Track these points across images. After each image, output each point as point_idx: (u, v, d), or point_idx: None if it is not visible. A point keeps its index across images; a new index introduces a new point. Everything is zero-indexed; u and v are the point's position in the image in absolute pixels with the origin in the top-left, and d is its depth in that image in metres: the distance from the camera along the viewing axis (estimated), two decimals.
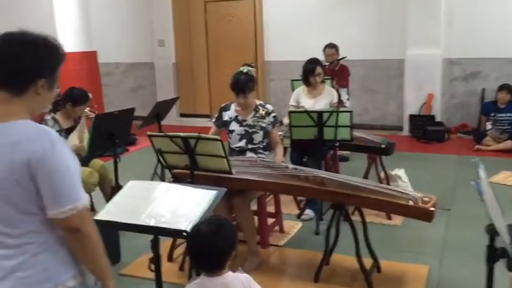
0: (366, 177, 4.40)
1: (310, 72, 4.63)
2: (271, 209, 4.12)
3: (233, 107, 3.83)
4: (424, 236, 3.94)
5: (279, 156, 3.74)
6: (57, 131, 4.21)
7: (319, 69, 4.62)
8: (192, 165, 3.20)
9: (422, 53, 7.26)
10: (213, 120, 3.92)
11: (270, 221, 4.06)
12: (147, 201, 2.31)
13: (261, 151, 3.79)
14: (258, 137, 3.76)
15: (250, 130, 3.76)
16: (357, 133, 4.45)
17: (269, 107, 3.84)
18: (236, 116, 3.80)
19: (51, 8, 6.75)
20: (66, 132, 4.31)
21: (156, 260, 2.32)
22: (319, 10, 7.94)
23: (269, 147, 3.87)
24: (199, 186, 2.42)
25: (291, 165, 3.47)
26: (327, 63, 6.44)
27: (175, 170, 3.39)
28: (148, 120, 5.06)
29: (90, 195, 4.54)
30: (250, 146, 3.77)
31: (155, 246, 2.31)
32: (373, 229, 3.94)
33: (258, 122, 3.76)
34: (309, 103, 4.70)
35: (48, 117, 4.35)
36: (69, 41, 6.65)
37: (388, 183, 4.45)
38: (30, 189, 1.52)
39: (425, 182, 5.15)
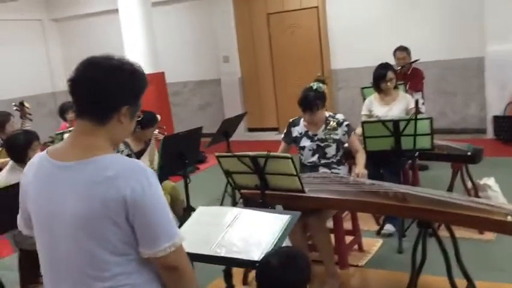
0: (450, 188, 4.04)
1: (381, 78, 4.36)
2: (348, 225, 3.88)
3: (302, 121, 3.65)
4: None
5: (359, 167, 3.50)
6: (128, 154, 4.23)
7: (390, 74, 4.34)
8: (262, 185, 3.05)
9: (504, 48, 6.70)
10: (282, 136, 3.76)
11: (348, 239, 3.82)
12: (217, 228, 2.18)
13: (334, 166, 3.58)
14: (331, 150, 3.55)
15: (322, 144, 3.56)
16: (439, 141, 4.11)
17: (340, 116, 3.62)
18: (306, 131, 3.62)
19: (119, 32, 6.94)
20: (137, 156, 4.31)
21: None
22: (386, 12, 7.60)
23: (343, 161, 3.65)
24: (271, 210, 2.26)
25: (368, 181, 3.22)
26: (398, 68, 6.12)
27: (245, 191, 3.25)
28: (217, 138, 4.99)
29: None
30: (323, 161, 3.57)
31: (227, 276, 2.18)
32: (464, 245, 3.58)
33: (330, 134, 3.55)
34: (382, 111, 4.42)
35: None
36: (138, 63, 6.78)
37: (476, 194, 4.07)
38: (125, 228, 1.43)
39: None
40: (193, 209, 4.38)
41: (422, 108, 6.18)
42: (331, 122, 3.58)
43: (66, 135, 5.21)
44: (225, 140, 4.99)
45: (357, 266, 3.66)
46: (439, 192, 2.90)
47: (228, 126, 4.96)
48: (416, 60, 6.10)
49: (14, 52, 9.66)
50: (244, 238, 2.09)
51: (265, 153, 2.90)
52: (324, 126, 3.58)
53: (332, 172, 3.55)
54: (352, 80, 7.83)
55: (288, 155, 2.92)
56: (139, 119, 4.15)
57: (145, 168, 1.48)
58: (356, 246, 3.89)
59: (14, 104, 5.34)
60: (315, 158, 3.58)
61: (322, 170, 3.57)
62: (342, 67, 8.08)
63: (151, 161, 4.32)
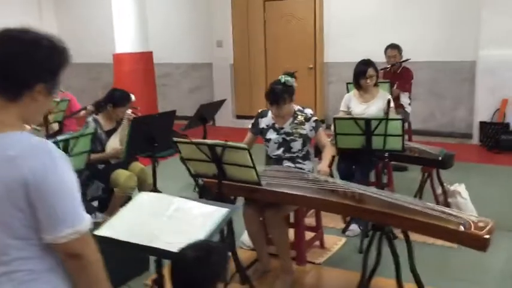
0: (420, 192, 3.99)
1: (361, 74, 4.27)
2: (313, 221, 3.84)
3: (270, 113, 3.58)
4: (482, 262, 3.47)
5: (323, 163, 3.43)
6: (98, 132, 4.17)
7: (371, 71, 4.26)
8: (219, 175, 2.99)
9: (497, 53, 6.61)
10: (250, 126, 3.69)
11: (311, 235, 3.77)
12: (153, 217, 2.12)
13: (299, 160, 3.52)
14: (297, 145, 3.49)
15: (288, 138, 3.49)
16: (412, 143, 4.05)
17: (308, 111, 3.55)
18: (273, 124, 3.55)
19: (109, 9, 6.83)
20: (107, 134, 4.26)
21: (159, 281, 2.13)
22: (385, 8, 7.48)
23: (309, 156, 3.58)
24: (211, 202, 2.20)
25: (329, 179, 3.15)
26: (388, 66, 6.04)
27: (207, 180, 3.20)
28: (193, 123, 4.92)
29: (130, 198, 4.48)
30: (288, 155, 3.51)
31: (159, 266, 2.12)
32: (424, 250, 3.56)
33: (297, 129, 3.48)
34: (360, 108, 4.35)
35: (89, 118, 4.33)
36: (126, 41, 6.69)
37: (445, 200, 4.02)
38: (26, 211, 1.35)
39: (492, 198, 4.62)
40: (159, 192, 4.34)
41: (408, 108, 6.11)
42: (299, 117, 3.51)
43: None
44: (202, 125, 4.92)
45: (314, 263, 3.61)
46: (399, 196, 2.85)
47: (206, 112, 4.89)
48: (406, 60, 6.01)
49: (6, 22, 9.53)
50: (178, 229, 2.03)
51: (223, 142, 2.83)
52: (291, 119, 3.51)
53: (296, 167, 3.49)
54: (344, 74, 7.71)
55: (245, 145, 2.85)
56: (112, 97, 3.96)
57: (52, 148, 1.39)
58: (318, 243, 3.85)
59: None
60: (280, 151, 3.51)
61: (286, 163, 3.51)
62: (335, 60, 7.97)
63: (121, 140, 4.25)
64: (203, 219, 2.04)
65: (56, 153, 1.39)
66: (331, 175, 3.96)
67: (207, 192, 3.17)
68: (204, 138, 5.07)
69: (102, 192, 4.24)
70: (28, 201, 1.35)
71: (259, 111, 3.69)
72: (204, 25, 8.85)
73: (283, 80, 3.42)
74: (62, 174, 1.38)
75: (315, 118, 3.53)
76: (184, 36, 9.07)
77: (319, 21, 7.98)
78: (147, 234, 2.01)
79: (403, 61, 5.94)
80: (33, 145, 1.37)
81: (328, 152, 3.53)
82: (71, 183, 1.41)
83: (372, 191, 2.92)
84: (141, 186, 4.38)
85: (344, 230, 4.10)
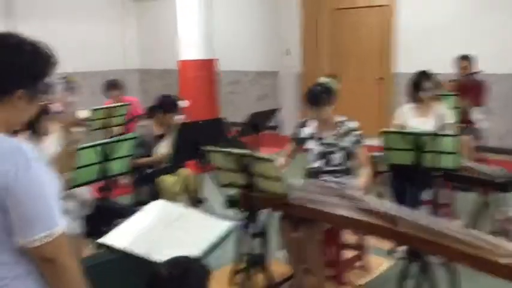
0: (476, 216, 3.63)
1: (417, 86, 4.00)
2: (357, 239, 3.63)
3: (312, 123, 3.44)
4: None
5: (359, 181, 3.23)
6: (147, 137, 4.24)
7: (428, 84, 3.97)
8: (249, 186, 2.89)
9: None
10: (291, 136, 3.56)
11: (353, 254, 3.57)
12: (159, 227, 2.08)
13: (340, 175, 3.34)
14: (337, 158, 3.31)
15: (328, 149, 3.33)
16: (471, 163, 3.71)
17: (352, 124, 3.36)
18: (314, 133, 3.40)
19: (174, 16, 6.99)
20: (156, 140, 4.32)
21: None
22: (461, 15, 7.01)
23: (351, 171, 3.39)
24: (217, 215, 2.11)
25: (365, 197, 2.94)
26: (456, 78, 5.65)
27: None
28: (245, 131, 4.87)
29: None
30: (327, 168, 3.34)
31: None
32: (480, 281, 3.21)
33: (337, 141, 3.31)
34: (416, 123, 4.05)
35: (140, 123, 4.42)
36: (190, 48, 6.81)
37: (504, 227, 3.63)
38: None
39: None
40: (204, 200, 4.33)
41: (482, 124, 5.66)
42: (342, 128, 3.33)
43: (99, 112, 5.34)
44: (255, 133, 4.86)
45: (353, 284, 3.40)
46: (438, 220, 2.59)
47: (258, 120, 4.82)
48: (479, 72, 5.59)
49: (91, 28, 10.11)
50: (178, 241, 1.97)
51: (250, 152, 2.74)
52: (333, 130, 3.34)
53: (336, 181, 3.31)
54: None
55: (272, 157, 2.73)
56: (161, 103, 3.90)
57: (27, 150, 1.37)
58: (361, 264, 3.62)
59: (58, 77, 5.54)
60: (319, 164, 3.35)
61: (326, 177, 3.34)
62: (405, 71, 7.58)
63: (170, 146, 4.29)
64: (203, 233, 1.97)
65: (30, 156, 1.37)
66: (381, 194, 3.75)
67: (235, 203, 3.08)
68: (257, 146, 5.02)
69: (149, 197, 4.30)
70: (0, 204, 1.34)
71: (301, 120, 3.56)
72: (272, 33, 8.83)
73: (322, 81, 3.28)
74: (36, 177, 1.36)
75: (358, 132, 3.33)
76: (253, 44, 9.11)
77: (389, 29, 7.66)
78: (148, 244, 1.97)
79: (474, 73, 5.52)
80: (6, 148, 1.36)
81: (365, 173, 3.31)
82: (45, 186, 1.38)
83: (408, 212, 2.68)
84: (186, 193, 4.40)
85: (391, 252, 3.83)
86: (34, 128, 3.60)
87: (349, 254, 3.56)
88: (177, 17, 6.79)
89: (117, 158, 3.53)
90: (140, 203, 4.35)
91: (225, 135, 6.88)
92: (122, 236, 2.07)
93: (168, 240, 1.97)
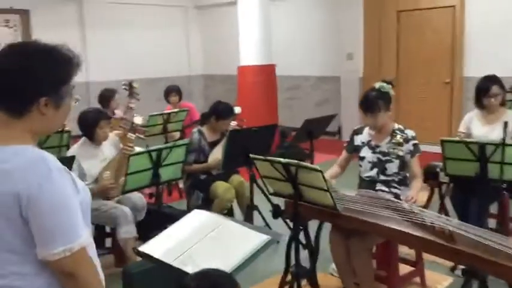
0: None
1: (484, 92, 3.74)
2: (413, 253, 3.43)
3: (367, 130, 3.29)
4: None
5: (412, 192, 3.04)
6: (201, 143, 4.26)
7: (495, 89, 3.70)
8: (295, 195, 2.80)
9: None
10: (345, 144, 3.43)
11: (410, 269, 3.37)
12: (196, 237, 2.03)
13: (395, 185, 3.17)
14: (393, 167, 3.15)
15: (383, 158, 3.17)
16: None
17: (410, 132, 3.18)
18: (369, 141, 3.25)
19: (236, 22, 7.03)
20: (210, 146, 4.33)
21: None
22: None
23: (406, 182, 3.21)
24: (254, 227, 2.04)
25: (418, 209, 2.76)
26: None
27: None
28: (299, 137, 4.78)
29: (232, 209, 4.48)
30: (382, 178, 3.18)
31: None
32: None
33: (394, 149, 3.14)
34: (482, 131, 3.79)
35: (194, 129, 4.44)
36: (249, 54, 6.81)
37: None
38: (20, 225, 1.34)
39: None
40: (255, 208, 4.27)
41: None
42: (398, 136, 3.16)
43: (157, 117, 5.43)
44: (309, 140, 4.75)
45: None
46: (499, 238, 2.38)
47: (313, 127, 4.71)
48: None
49: (156, 35, 10.41)
50: (214, 253, 1.91)
51: (296, 161, 2.65)
52: (389, 138, 3.18)
53: (391, 191, 3.14)
54: None
55: (318, 167, 2.62)
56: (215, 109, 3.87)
57: (50, 161, 1.36)
58: (418, 280, 3.42)
59: (123, 83, 5.71)
60: (373, 173, 3.20)
61: (380, 187, 3.18)
62: (475, 75, 7.15)
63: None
64: (239, 246, 1.90)
65: (53, 168, 1.35)
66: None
67: (280, 213, 3.00)
68: (311, 153, 4.91)
69: (202, 203, 4.31)
70: (21, 215, 1.33)
71: (355, 128, 3.42)
72: (334, 37, 8.66)
73: (377, 86, 3.13)
74: (58, 189, 1.35)
75: (415, 142, 3.15)
76: (314, 49, 8.99)
77: (458, 31, 7.26)
78: (182, 255, 1.93)
79: None
80: (30, 159, 1.35)
81: (417, 184, 3.12)
82: (68, 198, 1.36)
83: (468, 228, 2.48)
84: (239, 200, 4.37)
85: (453, 269, 3.58)
86: (91, 133, 3.71)
87: (405, 269, 3.37)
88: (238, 23, 6.82)
89: (169, 164, 3.56)
90: (193, 209, 4.37)
91: (283, 142, 6.84)
92: (158, 245, 2.04)
93: (202, 251, 1.92)
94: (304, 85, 9.36)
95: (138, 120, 3.99)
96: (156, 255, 1.98)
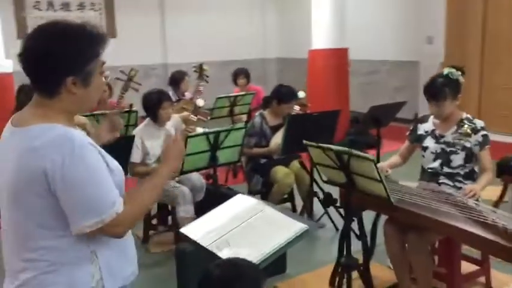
0: None
1: None
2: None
3: (431, 119, 3.09)
4: None
5: (473, 186, 2.80)
6: (262, 127, 4.23)
7: None
8: (348, 184, 2.70)
9: None
10: (407, 133, 3.25)
11: (474, 268, 3.16)
12: (235, 222, 2.02)
13: (460, 179, 2.95)
14: (458, 159, 2.93)
15: (448, 149, 2.96)
16: None
17: (478, 122, 2.94)
18: (433, 130, 3.05)
19: (309, 5, 6.89)
20: (272, 130, 4.29)
21: None
22: None
23: (473, 176, 2.97)
24: (293, 214, 1.99)
25: (478, 205, 2.55)
26: None
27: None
28: (366, 124, 4.60)
29: (293, 194, 4.44)
30: (446, 170, 2.97)
31: None
32: None
33: (460, 140, 2.92)
34: None
35: (256, 113, 4.42)
36: (321, 37, 6.66)
37: None
38: (50, 201, 1.39)
39: None
40: (315, 194, 4.19)
41: None
42: (465, 126, 2.93)
43: (224, 100, 5.47)
44: (376, 127, 4.56)
45: None
46: None
47: (379, 114, 4.51)
48: None
49: (232, 18, 10.48)
50: (250, 239, 1.88)
51: (347, 149, 2.54)
52: (455, 128, 2.96)
53: (455, 186, 2.93)
54: None
55: (371, 156, 2.49)
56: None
57: (75, 138, 1.39)
58: (482, 280, 3.19)
59: (193, 65, 5.79)
60: (436, 164, 3.00)
61: (443, 180, 2.97)
62: None
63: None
64: (277, 233, 1.86)
65: (77, 144, 1.38)
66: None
67: (330, 201, 2.91)
68: (378, 142, 4.72)
69: (262, 187, 4.30)
70: (50, 191, 1.38)
71: (419, 116, 3.22)
72: (413, 20, 8.23)
73: (446, 72, 2.92)
74: (83, 164, 1.38)
75: (484, 132, 2.90)
76: (391, 32, 8.61)
77: None
78: (218, 239, 1.92)
79: None
80: (56, 137, 1.38)
81: (486, 178, 2.87)
82: (93, 172, 1.39)
83: None
84: (299, 185, 4.32)
85: None
86: (154, 114, 3.81)
87: (469, 267, 3.16)
88: (311, 5, 6.68)
89: (226, 147, 3.57)
90: (253, 193, 4.38)
91: (353, 128, 6.63)
92: (199, 227, 2.05)
93: (238, 237, 1.90)
94: (380, 70, 9.02)
95: (200, 102, 4.04)
96: (195, 237, 1.99)
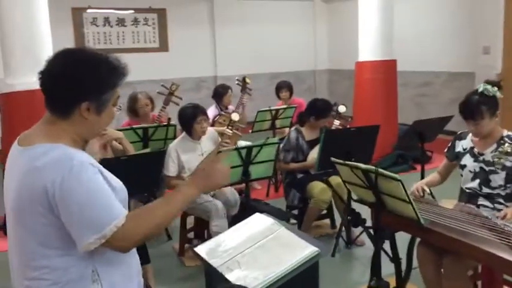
0: None
1: None
2: None
3: (470, 136, 2.92)
4: None
5: (508, 209, 2.62)
6: (299, 142, 4.17)
7: None
8: (377, 204, 2.60)
9: None
10: (445, 150, 3.09)
11: None
12: (248, 242, 1.98)
13: (500, 200, 2.76)
14: (498, 178, 2.75)
15: (487, 168, 2.78)
16: None
17: None
18: (472, 148, 2.88)
19: (356, 17, 6.77)
20: (309, 144, 4.22)
21: None
22: None
23: None
24: (307, 237, 1.92)
25: None
26: None
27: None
28: (407, 139, 4.43)
29: (332, 210, 4.34)
30: (485, 190, 2.79)
31: None
32: None
33: (500, 159, 2.74)
34: None
35: (292, 128, 4.36)
36: (368, 49, 6.52)
37: None
38: (52, 220, 1.42)
39: None
40: (353, 210, 4.06)
41: None
42: (506, 144, 2.75)
43: (265, 113, 5.45)
44: (419, 142, 4.37)
45: None
46: None
47: (423, 128, 4.31)
48: None
49: (283, 30, 10.49)
50: (260, 261, 1.84)
51: (374, 168, 2.44)
52: (495, 146, 2.78)
53: (495, 207, 2.75)
54: None
55: (397, 176, 2.37)
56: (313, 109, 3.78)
57: (75, 158, 1.41)
58: None
59: (237, 78, 5.83)
60: (475, 184, 2.82)
61: (482, 202, 2.80)
62: None
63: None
64: (289, 255, 1.80)
65: (76, 164, 1.40)
66: None
67: (359, 221, 2.80)
68: (422, 158, 4.53)
69: (299, 202, 4.23)
70: (51, 210, 1.40)
71: (458, 132, 3.06)
72: (467, 29, 7.89)
73: (481, 89, 2.75)
74: (80, 183, 1.39)
75: None
76: (446, 43, 8.29)
77: None
78: (231, 260, 1.89)
79: None
80: (57, 157, 1.42)
81: None
82: (91, 191, 1.40)
83: None
84: (337, 202, 4.21)
85: None
86: (189, 128, 3.84)
87: None
88: (358, 15, 6.57)
89: (259, 162, 3.54)
90: (290, 208, 4.31)
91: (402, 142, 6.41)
92: (213, 247, 2.03)
93: (249, 259, 1.86)
94: (434, 81, 8.71)
95: (235, 116, 4.04)
96: (207, 257, 1.97)
